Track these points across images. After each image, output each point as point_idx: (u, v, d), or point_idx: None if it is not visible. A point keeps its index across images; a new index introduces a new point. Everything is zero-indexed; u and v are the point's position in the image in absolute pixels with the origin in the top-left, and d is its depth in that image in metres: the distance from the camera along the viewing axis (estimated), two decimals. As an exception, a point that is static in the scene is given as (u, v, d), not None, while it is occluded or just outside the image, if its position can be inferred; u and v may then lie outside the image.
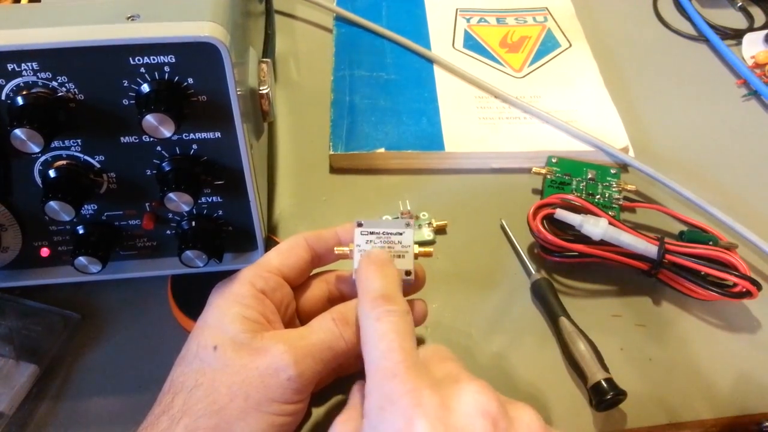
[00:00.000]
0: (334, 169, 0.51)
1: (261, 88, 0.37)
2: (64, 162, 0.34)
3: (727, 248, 0.43)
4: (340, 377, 0.38)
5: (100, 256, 0.36)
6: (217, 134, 0.34)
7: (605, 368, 0.38)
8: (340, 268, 0.38)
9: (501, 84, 0.56)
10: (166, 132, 0.31)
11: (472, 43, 0.61)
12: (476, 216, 0.48)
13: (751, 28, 0.66)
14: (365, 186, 0.50)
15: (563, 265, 0.45)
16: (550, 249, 0.43)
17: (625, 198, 0.48)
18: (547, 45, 0.61)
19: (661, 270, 0.42)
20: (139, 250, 0.39)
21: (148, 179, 0.35)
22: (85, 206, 0.36)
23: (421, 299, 0.37)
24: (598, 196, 0.48)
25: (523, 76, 0.58)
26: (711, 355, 0.41)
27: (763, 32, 0.63)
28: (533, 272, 0.44)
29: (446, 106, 0.54)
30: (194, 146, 0.34)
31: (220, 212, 0.37)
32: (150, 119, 0.30)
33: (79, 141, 0.33)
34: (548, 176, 0.49)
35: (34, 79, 0.30)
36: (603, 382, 0.37)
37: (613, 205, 0.47)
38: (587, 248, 0.42)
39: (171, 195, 0.33)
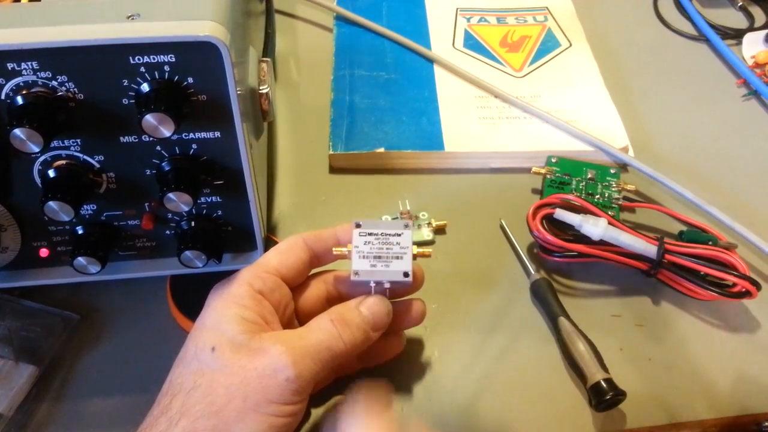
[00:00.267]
0: (334, 169, 0.51)
1: (261, 88, 0.37)
2: (63, 162, 0.34)
3: (727, 248, 0.43)
4: (339, 378, 0.38)
5: (99, 257, 0.36)
6: (217, 134, 0.34)
7: (605, 368, 0.38)
8: (339, 268, 0.38)
9: (501, 84, 0.56)
10: (166, 132, 0.31)
11: (472, 43, 0.61)
12: (476, 216, 0.48)
13: (751, 28, 0.65)
14: (365, 186, 0.50)
15: (563, 265, 0.45)
16: (549, 249, 0.43)
17: (625, 198, 0.48)
18: (548, 45, 0.61)
19: (660, 270, 0.42)
20: (138, 250, 0.39)
21: (147, 179, 0.35)
22: (85, 206, 0.36)
23: (419, 299, 0.37)
24: (597, 196, 0.48)
25: (523, 76, 0.58)
26: (711, 355, 0.41)
27: (764, 32, 0.63)
28: (533, 272, 0.44)
29: (446, 105, 0.54)
30: (194, 146, 0.34)
31: (220, 212, 0.37)
32: (150, 119, 0.30)
33: (78, 141, 0.33)
34: (548, 176, 0.49)
35: (34, 78, 0.30)
36: (602, 383, 0.37)
37: (613, 205, 0.47)
38: (587, 248, 0.42)
39: (170, 195, 0.33)
